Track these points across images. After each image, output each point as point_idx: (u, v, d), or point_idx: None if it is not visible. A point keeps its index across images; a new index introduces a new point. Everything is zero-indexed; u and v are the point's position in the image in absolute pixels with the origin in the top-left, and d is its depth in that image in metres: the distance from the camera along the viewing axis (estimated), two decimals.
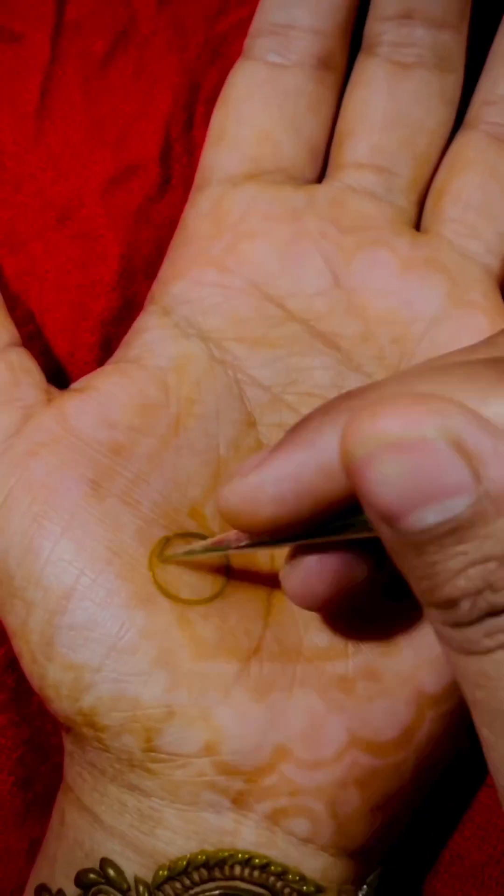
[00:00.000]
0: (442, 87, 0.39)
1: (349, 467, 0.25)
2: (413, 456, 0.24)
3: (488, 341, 0.30)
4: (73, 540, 0.34)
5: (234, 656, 0.34)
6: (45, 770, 0.39)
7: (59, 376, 0.41)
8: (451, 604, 0.25)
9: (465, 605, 0.25)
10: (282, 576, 0.32)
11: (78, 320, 0.41)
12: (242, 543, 0.32)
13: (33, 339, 0.41)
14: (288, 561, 0.31)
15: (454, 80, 0.39)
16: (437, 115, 0.39)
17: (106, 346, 0.41)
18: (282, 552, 0.33)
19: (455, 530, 0.24)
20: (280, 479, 0.29)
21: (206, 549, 0.33)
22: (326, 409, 0.29)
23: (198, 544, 0.34)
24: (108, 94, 0.42)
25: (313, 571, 0.31)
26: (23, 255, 0.41)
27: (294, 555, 0.31)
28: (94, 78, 0.42)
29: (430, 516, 0.24)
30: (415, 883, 0.38)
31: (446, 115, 0.40)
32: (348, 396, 0.28)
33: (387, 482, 0.24)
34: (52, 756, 0.39)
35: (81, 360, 0.41)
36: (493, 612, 0.25)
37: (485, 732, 0.26)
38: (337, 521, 0.29)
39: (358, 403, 0.28)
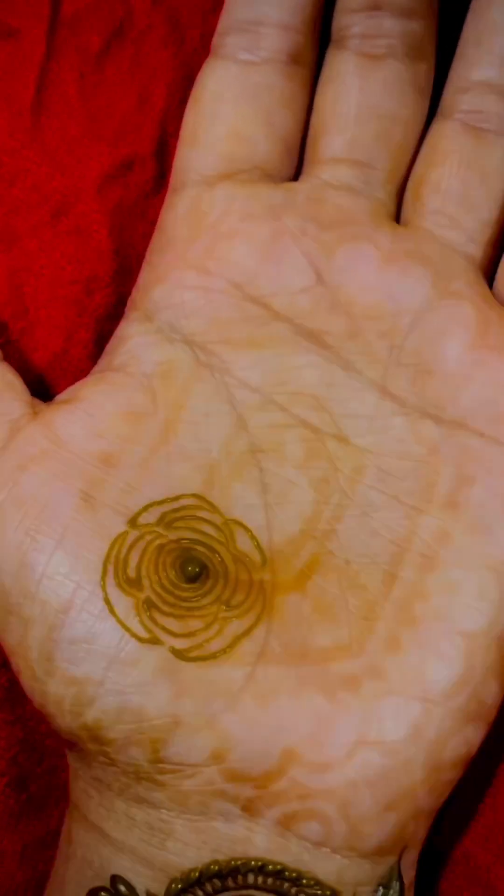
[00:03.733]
0: (414, 77, 0.38)
1: None
2: None
3: None
4: (67, 553, 0.33)
5: (238, 662, 0.33)
6: (40, 771, 0.38)
7: (53, 373, 0.40)
8: None
9: None
10: None
11: (72, 317, 0.40)
12: None
13: (27, 336, 0.40)
14: None
15: (426, 69, 0.38)
16: (411, 106, 0.38)
17: (101, 343, 0.40)
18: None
19: None
20: None
21: None
22: None
23: None
24: (103, 90, 0.41)
25: None
26: (17, 251, 0.40)
27: None
28: (89, 73, 0.41)
29: None
30: (421, 884, 0.37)
31: (420, 105, 0.38)
32: None
33: None
34: (47, 757, 0.38)
35: (76, 357, 0.40)
36: None
37: None
38: None
39: None
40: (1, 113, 0.41)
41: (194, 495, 0.34)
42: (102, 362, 0.37)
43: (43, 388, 0.39)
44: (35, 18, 0.42)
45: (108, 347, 0.38)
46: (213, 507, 0.34)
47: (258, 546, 0.34)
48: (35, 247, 0.41)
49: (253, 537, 0.34)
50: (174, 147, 0.41)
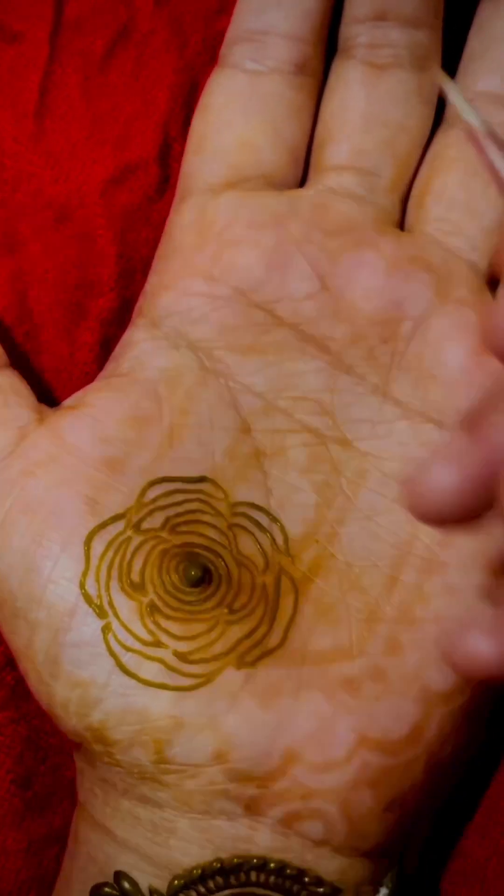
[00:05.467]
0: (420, 87, 0.38)
1: None
2: None
3: None
4: (73, 558, 0.34)
5: (240, 664, 0.33)
6: (44, 770, 0.39)
7: (58, 377, 0.40)
8: None
9: None
10: None
11: (77, 320, 0.40)
12: None
13: (31, 339, 0.40)
14: None
15: (431, 79, 0.39)
16: (417, 115, 0.39)
17: (105, 346, 0.40)
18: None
19: None
20: None
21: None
22: None
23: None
24: (107, 93, 0.41)
25: None
26: (21, 255, 0.40)
27: None
28: (93, 77, 0.41)
29: None
30: (420, 880, 0.38)
31: (425, 114, 0.39)
32: None
33: None
34: (52, 756, 0.39)
35: (81, 360, 0.40)
36: None
37: None
38: None
39: None
40: (4, 117, 0.41)
41: (198, 498, 0.35)
42: (109, 367, 0.38)
43: (48, 392, 0.39)
44: (38, 22, 0.42)
45: (115, 353, 0.38)
46: (216, 511, 0.35)
47: (261, 550, 0.35)
48: (39, 251, 0.41)
49: (255, 541, 0.35)
50: (177, 151, 0.41)
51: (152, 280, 0.39)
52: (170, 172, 0.41)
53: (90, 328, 0.40)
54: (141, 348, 0.37)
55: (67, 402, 0.37)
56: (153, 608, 0.33)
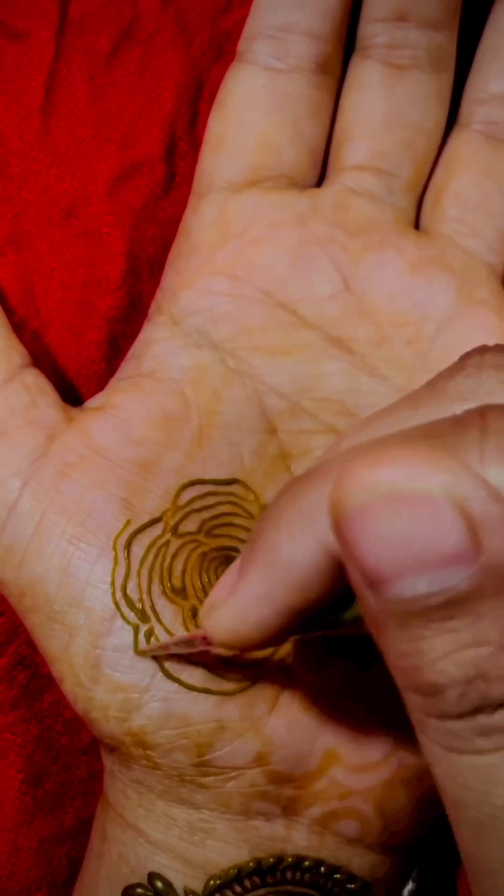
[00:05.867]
0: (437, 87, 0.38)
1: (337, 521, 0.23)
2: (412, 512, 0.22)
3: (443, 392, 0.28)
4: (111, 561, 0.34)
5: (280, 666, 0.33)
6: (55, 769, 0.39)
7: (66, 375, 0.40)
8: (434, 690, 0.23)
9: (452, 695, 0.23)
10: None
11: (84, 318, 0.40)
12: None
13: (39, 338, 0.40)
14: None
15: (447, 80, 0.39)
16: (434, 116, 0.39)
17: (113, 345, 0.40)
18: None
19: (447, 605, 0.22)
20: (256, 605, 0.27)
21: (183, 643, 0.32)
22: (277, 519, 0.27)
23: (175, 639, 0.33)
24: (112, 92, 0.41)
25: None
26: (28, 253, 0.40)
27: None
28: (98, 75, 0.41)
29: (420, 585, 0.22)
30: (437, 874, 0.39)
31: (442, 115, 0.39)
32: (293, 499, 0.27)
33: (378, 540, 0.22)
34: (63, 755, 0.39)
35: (88, 359, 0.40)
36: (485, 708, 0.22)
37: (466, 836, 0.24)
38: (327, 617, 0.28)
39: (307, 498, 0.26)
40: (10, 115, 0.41)
41: (230, 500, 0.35)
42: (128, 366, 0.38)
43: (57, 390, 0.40)
44: (43, 21, 0.41)
45: (133, 351, 0.38)
46: (248, 513, 0.35)
47: None
48: (46, 249, 0.41)
49: None
50: (183, 150, 0.41)
51: (170, 277, 0.38)
52: (176, 170, 0.41)
53: (97, 326, 0.40)
54: (161, 347, 0.37)
55: (92, 402, 0.37)
56: (195, 613, 0.33)
